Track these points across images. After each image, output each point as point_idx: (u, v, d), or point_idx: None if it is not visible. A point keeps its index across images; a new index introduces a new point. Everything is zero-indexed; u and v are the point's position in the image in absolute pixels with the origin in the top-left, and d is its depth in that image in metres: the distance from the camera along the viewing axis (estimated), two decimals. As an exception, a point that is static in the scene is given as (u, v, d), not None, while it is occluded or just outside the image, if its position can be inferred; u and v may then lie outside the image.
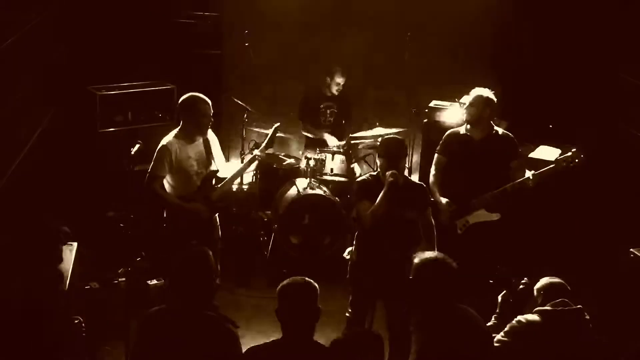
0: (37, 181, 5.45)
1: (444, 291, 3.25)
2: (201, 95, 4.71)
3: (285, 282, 3.15)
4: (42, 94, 5.76)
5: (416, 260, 3.34)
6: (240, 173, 4.99)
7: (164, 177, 4.66)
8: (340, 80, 6.66)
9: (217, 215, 4.99)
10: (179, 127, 4.76)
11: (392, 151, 4.34)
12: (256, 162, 5.03)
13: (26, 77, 5.38)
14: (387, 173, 4.23)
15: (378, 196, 4.24)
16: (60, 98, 6.14)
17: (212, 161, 4.83)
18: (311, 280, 3.14)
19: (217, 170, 4.84)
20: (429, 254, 3.38)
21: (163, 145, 4.64)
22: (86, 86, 6.14)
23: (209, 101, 4.71)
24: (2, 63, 4.69)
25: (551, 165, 4.75)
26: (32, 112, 5.55)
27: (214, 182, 4.85)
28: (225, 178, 4.91)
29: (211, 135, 4.88)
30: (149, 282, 5.37)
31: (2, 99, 4.81)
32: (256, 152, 4.95)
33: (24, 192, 5.15)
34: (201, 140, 4.76)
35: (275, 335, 3.18)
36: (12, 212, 4.70)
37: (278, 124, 5.16)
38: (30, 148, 5.33)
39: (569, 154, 4.71)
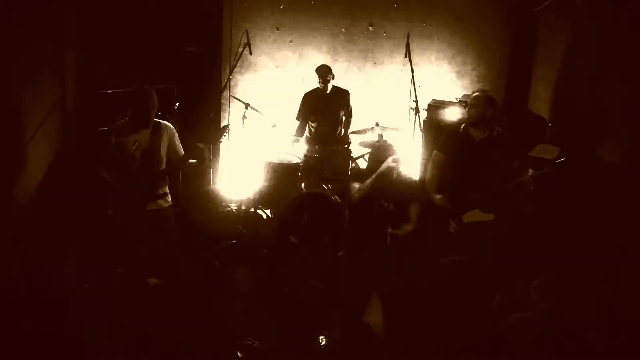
0: (36, 180, 5.47)
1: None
2: (146, 88, 4.82)
3: (293, 282, 3.11)
4: (42, 93, 5.78)
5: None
6: (177, 166, 5.04)
7: (107, 160, 4.83)
8: (324, 75, 6.65)
9: (168, 211, 5.01)
10: (128, 117, 4.89)
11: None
12: (202, 151, 5.17)
13: (27, 75, 5.39)
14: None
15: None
16: (60, 97, 6.16)
17: (159, 151, 4.88)
18: (320, 285, 3.10)
19: (159, 161, 4.88)
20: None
21: (105, 130, 4.89)
22: (86, 85, 6.15)
23: (154, 95, 4.82)
24: (3, 61, 4.71)
25: (547, 168, 4.72)
26: (32, 112, 5.56)
27: (155, 171, 4.91)
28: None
29: (168, 127, 4.95)
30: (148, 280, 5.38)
31: (3, 98, 4.83)
32: (199, 144, 5.08)
33: (24, 191, 5.17)
34: (150, 129, 4.86)
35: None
36: (12, 211, 4.72)
37: (227, 124, 5.28)
38: (30, 147, 5.35)
39: (566, 155, 4.69)
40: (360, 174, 4.53)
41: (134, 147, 4.75)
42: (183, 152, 4.97)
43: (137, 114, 4.81)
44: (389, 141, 5.80)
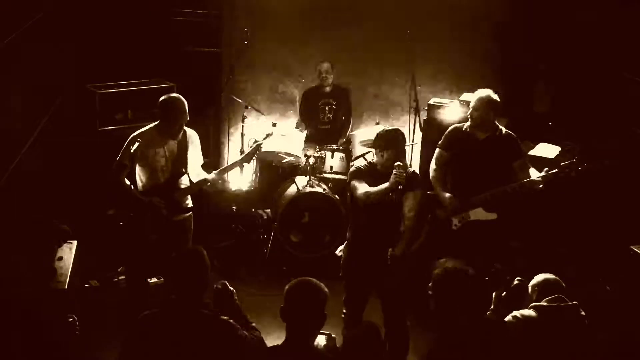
0: (37, 179, 5.47)
1: (464, 303, 3.06)
2: (182, 101, 4.65)
3: (295, 281, 3.07)
4: (42, 92, 5.78)
5: (435, 271, 3.13)
6: (204, 182, 4.89)
7: (127, 166, 4.64)
8: (325, 69, 6.66)
9: (190, 221, 4.91)
10: (157, 123, 4.72)
11: (395, 143, 4.34)
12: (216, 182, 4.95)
13: (27, 75, 5.40)
14: (395, 172, 4.20)
15: (370, 178, 4.31)
16: (60, 96, 6.16)
17: (186, 162, 4.76)
18: (322, 285, 3.07)
19: (185, 171, 4.76)
20: (449, 264, 3.15)
21: (132, 136, 4.66)
22: (86, 84, 6.16)
23: (186, 109, 4.65)
24: (2, 61, 4.71)
25: (554, 170, 4.69)
26: (32, 111, 5.57)
27: (181, 182, 4.79)
28: (192, 181, 4.85)
29: (193, 136, 4.83)
30: (149, 280, 5.38)
31: (3, 98, 4.83)
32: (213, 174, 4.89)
33: (25, 190, 5.18)
34: (177, 140, 4.73)
35: (275, 334, 3.16)
36: (13, 211, 4.72)
37: (261, 142, 5.11)
38: (30, 146, 5.35)
39: (574, 161, 4.66)
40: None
41: (161, 156, 4.63)
42: (202, 161, 4.89)
43: (169, 125, 4.63)
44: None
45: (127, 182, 4.70)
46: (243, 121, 6.77)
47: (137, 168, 4.71)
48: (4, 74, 4.79)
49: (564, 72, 6.62)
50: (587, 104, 6.30)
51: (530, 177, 4.77)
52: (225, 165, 4.87)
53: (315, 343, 3.38)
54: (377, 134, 4.44)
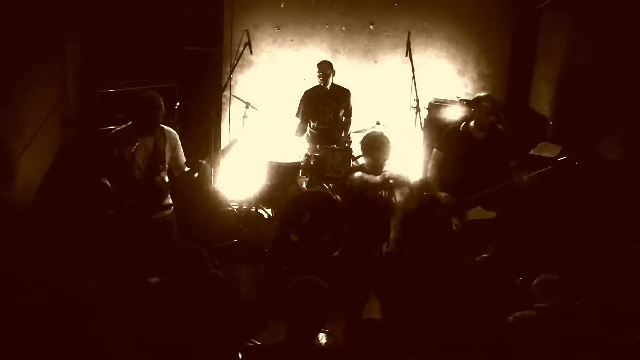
0: (38, 179, 5.47)
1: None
2: (155, 95, 4.60)
3: (297, 280, 3.07)
4: (44, 93, 5.78)
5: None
6: (187, 177, 4.83)
7: (108, 166, 4.62)
8: (325, 69, 6.66)
9: (171, 219, 4.89)
10: (132, 122, 4.67)
11: (372, 149, 4.50)
12: (205, 169, 4.79)
13: (29, 75, 5.40)
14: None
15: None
16: (63, 97, 6.16)
17: (163, 158, 4.71)
18: (323, 283, 3.07)
19: (163, 169, 4.71)
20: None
21: (109, 135, 4.65)
22: (87, 84, 6.16)
23: (161, 103, 4.58)
24: (4, 61, 4.71)
25: (548, 167, 4.71)
26: (35, 111, 5.57)
27: (160, 180, 4.74)
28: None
29: (172, 134, 4.77)
30: (149, 279, 5.37)
31: (6, 98, 4.83)
32: (202, 161, 4.78)
33: (27, 189, 5.18)
34: (154, 137, 4.68)
35: (276, 333, 3.16)
36: (15, 210, 4.72)
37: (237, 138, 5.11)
38: (32, 146, 5.35)
39: (570, 156, 4.68)
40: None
41: (137, 154, 4.56)
42: (184, 160, 4.81)
43: (144, 122, 4.58)
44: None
45: (107, 182, 4.67)
46: (243, 121, 6.78)
47: (117, 167, 4.68)
48: (6, 73, 4.79)
49: (564, 70, 6.62)
50: (587, 102, 6.29)
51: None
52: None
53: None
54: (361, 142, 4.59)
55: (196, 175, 4.75)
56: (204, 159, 4.76)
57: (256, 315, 3.36)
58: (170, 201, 4.87)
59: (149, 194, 4.69)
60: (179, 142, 4.81)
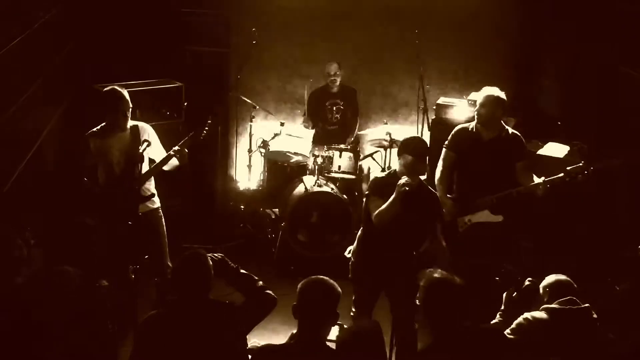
0: (46, 179, 5.49)
1: (452, 313, 3.06)
2: (117, 90, 4.71)
3: (309, 279, 3.10)
4: (50, 93, 5.80)
5: (422, 283, 3.15)
6: (157, 168, 4.84)
7: (90, 166, 4.78)
8: (333, 71, 6.67)
9: (157, 214, 4.95)
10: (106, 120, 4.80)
11: (419, 151, 4.31)
12: (175, 159, 4.82)
13: (34, 75, 5.41)
14: (400, 182, 4.19)
15: (390, 187, 4.23)
16: (68, 97, 6.18)
17: (140, 152, 4.69)
18: (335, 284, 3.10)
19: (140, 162, 4.68)
20: (436, 275, 3.15)
21: (86, 135, 4.78)
22: (93, 84, 6.17)
23: (124, 95, 4.71)
24: (9, 62, 4.72)
25: (560, 175, 4.64)
26: (39, 111, 5.58)
27: (138, 173, 4.73)
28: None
29: (147, 129, 4.86)
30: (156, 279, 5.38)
31: (10, 98, 4.85)
32: (174, 148, 4.82)
33: (33, 189, 5.19)
34: (128, 132, 4.77)
35: (285, 333, 3.17)
36: (19, 211, 4.73)
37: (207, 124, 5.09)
38: (38, 147, 5.37)
39: (580, 164, 4.63)
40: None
41: (114, 150, 4.67)
42: (163, 151, 4.87)
43: (111, 117, 4.72)
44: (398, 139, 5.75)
45: (89, 181, 4.78)
46: (251, 121, 6.79)
47: (95, 166, 4.79)
48: (12, 73, 4.81)
49: (572, 69, 6.60)
50: (595, 102, 6.28)
51: (532, 179, 4.74)
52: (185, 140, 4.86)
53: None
54: (404, 141, 4.45)
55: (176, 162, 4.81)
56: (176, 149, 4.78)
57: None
58: (154, 193, 4.92)
59: (130, 187, 4.71)
60: (155, 134, 4.89)
